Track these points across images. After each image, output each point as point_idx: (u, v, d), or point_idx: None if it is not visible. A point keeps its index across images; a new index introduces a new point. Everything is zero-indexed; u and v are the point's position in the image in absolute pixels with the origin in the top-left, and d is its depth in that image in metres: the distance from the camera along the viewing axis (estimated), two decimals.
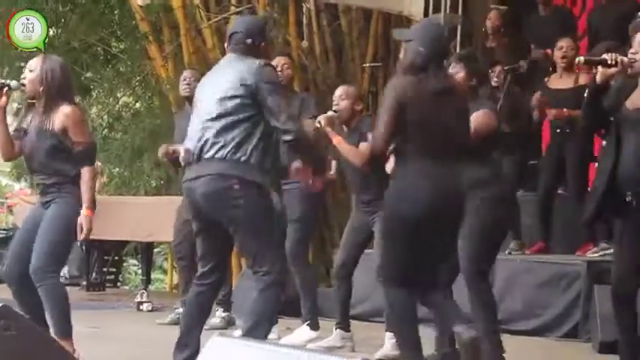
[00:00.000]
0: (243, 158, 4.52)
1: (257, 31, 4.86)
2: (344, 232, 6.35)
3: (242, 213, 4.54)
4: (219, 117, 4.59)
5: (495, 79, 7.39)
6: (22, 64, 11.93)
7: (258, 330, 4.55)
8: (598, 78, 4.63)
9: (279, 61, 6.49)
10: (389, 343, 5.97)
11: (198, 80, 5.60)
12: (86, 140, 5.18)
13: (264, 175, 4.57)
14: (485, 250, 5.17)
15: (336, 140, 5.69)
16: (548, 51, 8.40)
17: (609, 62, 4.58)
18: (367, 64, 9.96)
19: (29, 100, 5.33)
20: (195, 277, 4.90)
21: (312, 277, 6.66)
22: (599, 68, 4.61)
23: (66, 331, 5.14)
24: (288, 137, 4.55)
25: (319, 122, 5.76)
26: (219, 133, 4.56)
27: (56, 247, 5.15)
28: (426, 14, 9.20)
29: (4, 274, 5.30)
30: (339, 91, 6.18)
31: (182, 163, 4.89)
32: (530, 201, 7.92)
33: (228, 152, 4.53)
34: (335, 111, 5.95)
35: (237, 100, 4.56)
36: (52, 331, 5.06)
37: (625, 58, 4.57)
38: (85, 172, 5.14)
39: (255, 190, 4.55)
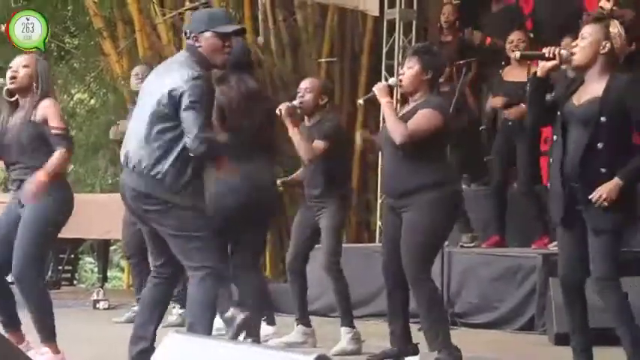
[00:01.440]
0: (158, 176, 4.55)
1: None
2: (292, 228, 6.37)
3: (162, 222, 4.60)
4: (145, 125, 4.60)
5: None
6: None
7: (199, 325, 4.54)
8: (538, 71, 4.67)
9: None
10: (345, 338, 5.99)
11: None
12: (63, 127, 5.27)
13: (177, 194, 4.57)
14: (430, 249, 5.20)
15: (292, 130, 5.78)
16: (489, 38, 8.51)
17: (547, 56, 4.62)
18: (323, 60, 9.97)
19: (8, 98, 5.33)
20: (151, 271, 4.90)
21: None
22: (539, 62, 4.67)
23: (49, 336, 5.18)
24: (192, 154, 4.57)
25: (279, 110, 5.77)
26: (141, 144, 4.60)
27: (36, 253, 5.16)
28: (381, 9, 9.23)
29: None
30: (305, 84, 6.14)
31: None
32: (485, 195, 7.97)
33: (145, 168, 4.56)
34: (301, 102, 5.97)
35: (164, 110, 4.57)
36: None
37: (564, 51, 4.61)
38: (57, 152, 5.16)
39: (169, 205, 4.58)
